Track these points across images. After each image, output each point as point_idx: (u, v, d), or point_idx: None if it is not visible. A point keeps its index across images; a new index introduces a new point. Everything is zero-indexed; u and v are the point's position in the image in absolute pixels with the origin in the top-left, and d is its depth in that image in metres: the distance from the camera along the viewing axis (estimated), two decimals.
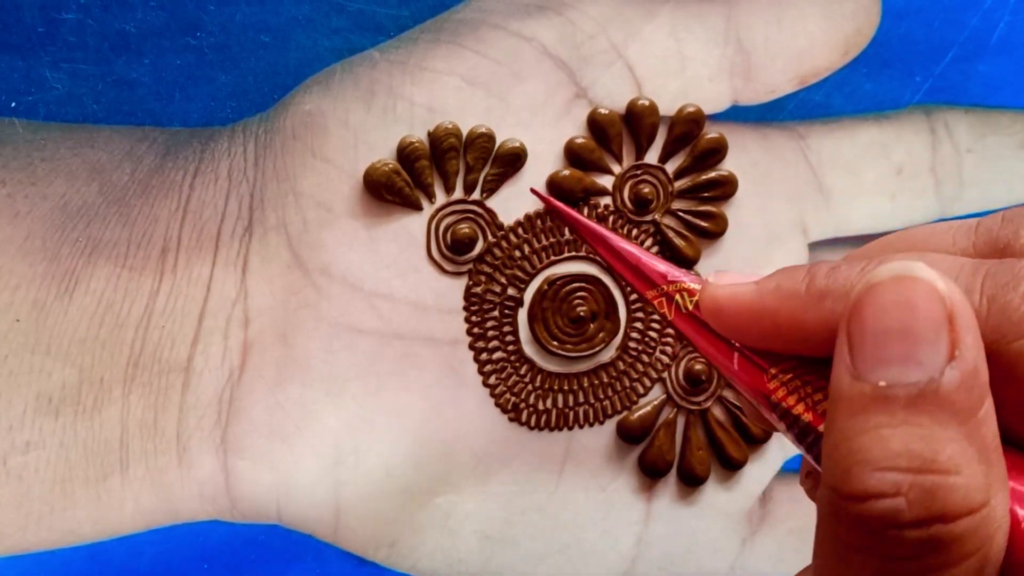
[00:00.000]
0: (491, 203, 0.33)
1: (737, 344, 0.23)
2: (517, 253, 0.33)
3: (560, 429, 0.34)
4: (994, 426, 0.19)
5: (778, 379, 0.22)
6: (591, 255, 0.33)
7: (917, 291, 0.18)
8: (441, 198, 0.32)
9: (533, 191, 0.28)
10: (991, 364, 0.19)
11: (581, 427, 0.34)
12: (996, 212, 0.23)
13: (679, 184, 0.34)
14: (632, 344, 0.34)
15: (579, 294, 0.33)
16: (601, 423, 0.34)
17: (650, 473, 0.34)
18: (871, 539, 0.18)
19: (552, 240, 0.33)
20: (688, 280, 0.24)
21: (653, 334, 0.34)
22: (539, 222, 0.33)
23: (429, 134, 0.32)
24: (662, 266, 0.25)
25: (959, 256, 0.21)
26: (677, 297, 0.24)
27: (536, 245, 0.33)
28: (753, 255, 0.34)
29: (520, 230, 0.33)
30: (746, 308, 0.22)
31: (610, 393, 0.34)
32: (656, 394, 0.34)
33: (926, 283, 0.18)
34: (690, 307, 0.24)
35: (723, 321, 0.23)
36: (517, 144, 0.32)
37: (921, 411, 0.18)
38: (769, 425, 0.23)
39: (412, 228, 0.32)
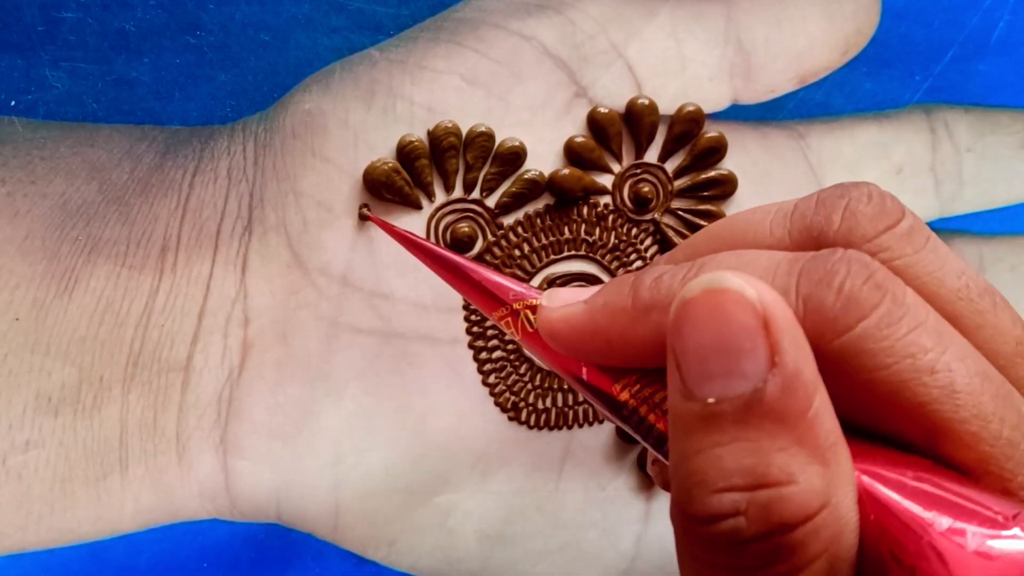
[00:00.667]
0: (490, 202, 0.33)
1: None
2: (516, 252, 0.33)
3: (560, 428, 0.34)
4: (830, 422, 0.19)
5: (627, 390, 0.22)
6: (588, 255, 0.33)
7: (728, 302, 0.18)
8: (441, 197, 0.32)
9: (366, 216, 0.29)
10: (818, 362, 0.19)
11: (581, 426, 0.34)
12: (812, 194, 0.22)
13: (679, 183, 0.34)
14: None
15: None
16: (600, 422, 0.34)
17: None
18: (720, 555, 0.18)
19: (551, 239, 0.33)
20: (532, 296, 0.24)
21: None
22: (538, 221, 0.33)
23: (429, 133, 0.32)
24: (506, 283, 0.25)
25: (776, 251, 0.21)
26: (523, 315, 0.24)
27: (535, 244, 0.33)
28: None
29: (520, 229, 0.33)
30: (579, 328, 0.23)
31: None
32: None
33: (735, 293, 0.18)
34: (535, 324, 0.24)
35: (560, 343, 0.23)
36: (517, 143, 0.32)
37: (749, 424, 0.18)
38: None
39: (412, 227, 0.32)
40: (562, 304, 0.23)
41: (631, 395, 0.22)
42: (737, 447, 0.18)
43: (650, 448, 0.22)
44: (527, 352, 0.26)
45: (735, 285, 0.18)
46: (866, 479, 0.19)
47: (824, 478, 0.18)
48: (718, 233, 0.24)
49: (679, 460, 0.19)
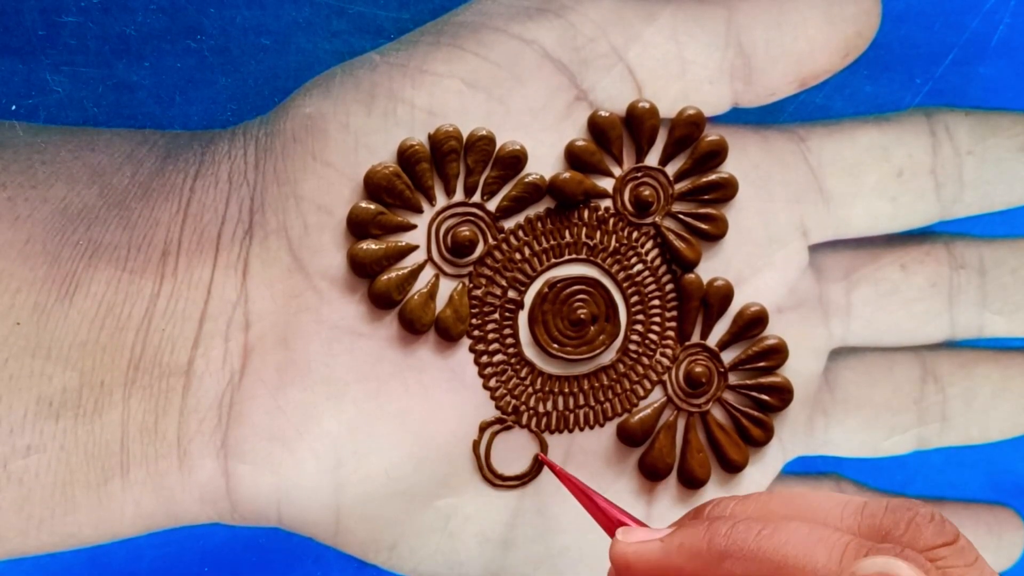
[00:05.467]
0: (491, 205, 0.33)
1: None
2: (518, 256, 0.33)
3: (560, 432, 0.34)
4: None
5: None
6: (589, 258, 0.33)
7: None
8: (441, 201, 0.32)
9: (543, 461, 0.32)
10: None
11: (581, 429, 0.34)
12: (882, 499, 0.24)
13: (679, 186, 0.34)
14: (632, 347, 0.34)
15: (579, 297, 0.33)
16: (601, 425, 0.34)
17: (650, 475, 0.34)
18: None
19: (552, 243, 0.33)
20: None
21: (653, 336, 0.34)
22: (539, 224, 0.33)
23: (430, 137, 0.32)
24: (625, 519, 0.27)
25: (845, 532, 0.23)
26: None
27: (536, 248, 0.33)
28: (753, 257, 0.34)
29: (520, 232, 0.33)
30: (654, 565, 0.24)
31: (610, 396, 0.34)
32: (656, 396, 0.34)
33: None
34: None
35: None
36: (518, 147, 0.32)
37: None
38: None
39: (413, 230, 0.32)
40: (638, 540, 0.25)
41: None
42: None
43: None
44: None
45: (908, 574, 0.20)
46: None
47: None
48: (791, 501, 0.25)
49: None
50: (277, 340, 0.31)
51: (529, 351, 0.33)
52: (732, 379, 0.35)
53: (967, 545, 0.23)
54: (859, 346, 0.36)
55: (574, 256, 0.33)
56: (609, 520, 0.27)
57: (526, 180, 0.32)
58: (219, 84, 0.30)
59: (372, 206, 0.31)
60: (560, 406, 0.34)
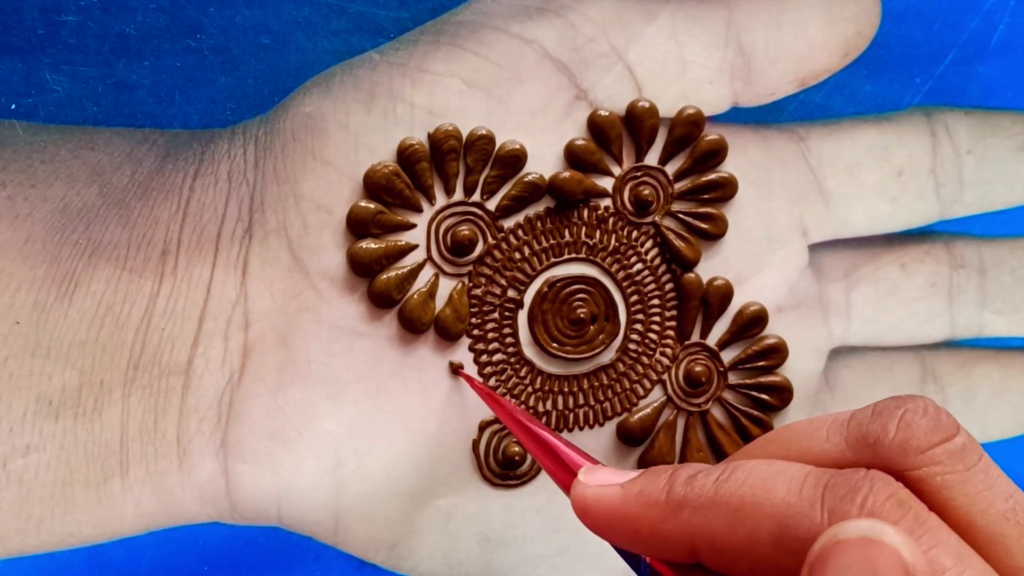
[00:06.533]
0: (491, 205, 0.33)
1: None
2: (517, 255, 0.33)
3: (560, 431, 0.34)
4: None
5: None
6: (589, 257, 0.33)
7: (882, 557, 0.18)
8: (441, 200, 0.32)
9: (458, 372, 0.32)
10: None
11: (581, 429, 0.34)
12: (868, 405, 0.23)
13: (679, 186, 0.34)
14: (632, 346, 0.34)
15: (579, 296, 0.33)
16: (601, 425, 0.34)
17: None
18: None
19: (552, 242, 0.33)
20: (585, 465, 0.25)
21: (653, 336, 0.34)
22: (539, 224, 0.33)
23: (429, 136, 0.32)
24: (577, 456, 0.26)
25: (805, 464, 0.22)
26: None
27: (536, 247, 0.33)
28: (753, 257, 0.34)
29: (520, 232, 0.33)
30: (610, 511, 0.23)
31: (610, 395, 0.34)
32: (656, 396, 0.34)
33: (891, 549, 0.18)
34: None
35: (590, 521, 0.24)
36: (517, 146, 0.32)
37: None
38: None
39: (413, 230, 0.32)
40: (598, 483, 0.24)
41: None
42: None
43: None
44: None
45: (895, 542, 0.19)
46: None
47: None
48: (773, 438, 0.24)
49: None
50: (277, 339, 0.31)
51: (529, 350, 0.33)
52: (732, 378, 0.35)
53: (968, 442, 0.22)
54: (859, 346, 0.36)
55: (574, 255, 0.33)
56: (563, 464, 0.26)
57: (526, 179, 0.32)
58: (219, 83, 0.30)
59: (372, 205, 0.31)
60: (560, 405, 0.34)
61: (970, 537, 0.21)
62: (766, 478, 0.21)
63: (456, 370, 0.32)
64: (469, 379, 0.31)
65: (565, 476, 0.26)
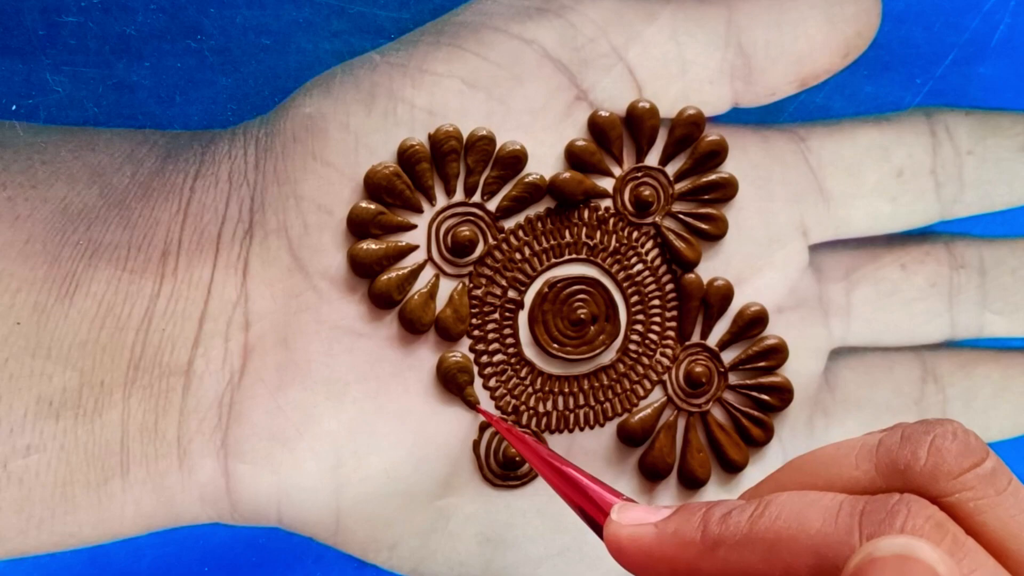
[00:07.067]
0: (491, 205, 0.33)
1: None
2: (518, 255, 0.33)
3: (560, 432, 0.34)
4: None
5: None
6: (589, 258, 0.33)
7: (917, 573, 0.18)
8: (442, 201, 0.32)
9: (477, 409, 0.32)
10: None
11: (581, 429, 0.34)
12: (896, 428, 0.23)
13: (679, 186, 0.34)
14: (632, 347, 0.34)
15: (579, 296, 0.33)
16: (601, 425, 0.34)
17: (650, 475, 0.34)
18: None
19: (552, 243, 0.33)
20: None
21: (653, 336, 0.34)
22: (539, 224, 0.33)
23: (430, 137, 0.32)
24: (606, 494, 0.25)
25: (838, 493, 0.22)
26: None
27: (536, 247, 0.33)
28: (753, 257, 0.34)
29: (521, 232, 0.33)
30: (647, 552, 0.23)
31: (610, 395, 0.34)
32: (656, 396, 0.34)
33: (927, 566, 0.19)
34: None
35: (625, 561, 0.23)
36: (518, 147, 0.32)
37: None
38: None
39: (413, 230, 0.32)
40: (632, 523, 0.24)
41: None
42: None
43: None
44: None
45: (930, 558, 0.19)
46: None
47: None
48: (801, 466, 0.24)
49: None
50: (277, 340, 0.31)
51: (529, 351, 0.33)
52: (732, 379, 0.35)
53: (998, 466, 0.22)
54: (859, 346, 0.36)
55: (574, 256, 0.33)
56: (592, 502, 0.25)
57: (526, 180, 0.32)
58: (219, 84, 0.30)
59: (372, 206, 0.31)
60: (560, 406, 0.34)
61: (1002, 561, 0.21)
62: (800, 510, 0.21)
63: (473, 406, 0.33)
64: (488, 415, 0.31)
65: (595, 513, 0.25)
